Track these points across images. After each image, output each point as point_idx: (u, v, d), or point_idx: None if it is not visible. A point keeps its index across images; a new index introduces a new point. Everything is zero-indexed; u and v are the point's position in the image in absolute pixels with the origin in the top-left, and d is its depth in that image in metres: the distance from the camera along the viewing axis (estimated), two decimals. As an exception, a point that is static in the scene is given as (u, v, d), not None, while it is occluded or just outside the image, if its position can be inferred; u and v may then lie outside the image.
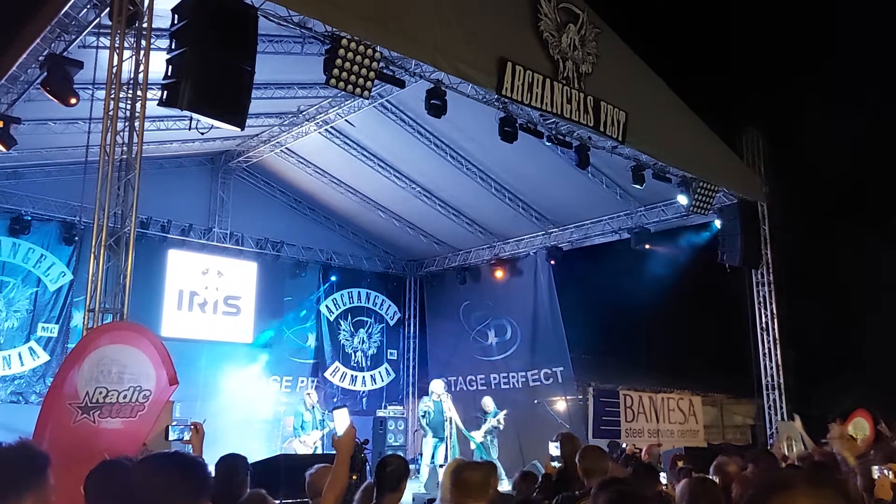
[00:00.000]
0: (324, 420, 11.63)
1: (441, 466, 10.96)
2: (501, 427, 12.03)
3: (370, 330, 16.25)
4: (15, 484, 2.00)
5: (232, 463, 4.42)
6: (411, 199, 14.03)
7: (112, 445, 4.38)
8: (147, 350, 5.35)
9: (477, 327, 15.69)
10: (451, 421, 11.68)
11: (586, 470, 4.39)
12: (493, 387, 14.84)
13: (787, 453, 9.16)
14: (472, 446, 11.82)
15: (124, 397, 5.14)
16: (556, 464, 5.06)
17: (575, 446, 5.05)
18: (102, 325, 6.27)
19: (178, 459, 2.02)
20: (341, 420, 3.29)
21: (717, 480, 4.77)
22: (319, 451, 11.30)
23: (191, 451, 4.48)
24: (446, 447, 11.62)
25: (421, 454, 12.13)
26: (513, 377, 14.90)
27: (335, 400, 14.45)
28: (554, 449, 5.11)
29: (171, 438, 5.05)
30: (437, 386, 12.12)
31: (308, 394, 12.33)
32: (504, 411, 12.12)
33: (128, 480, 1.92)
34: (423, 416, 11.80)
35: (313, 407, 11.87)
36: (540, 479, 5.28)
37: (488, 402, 12.37)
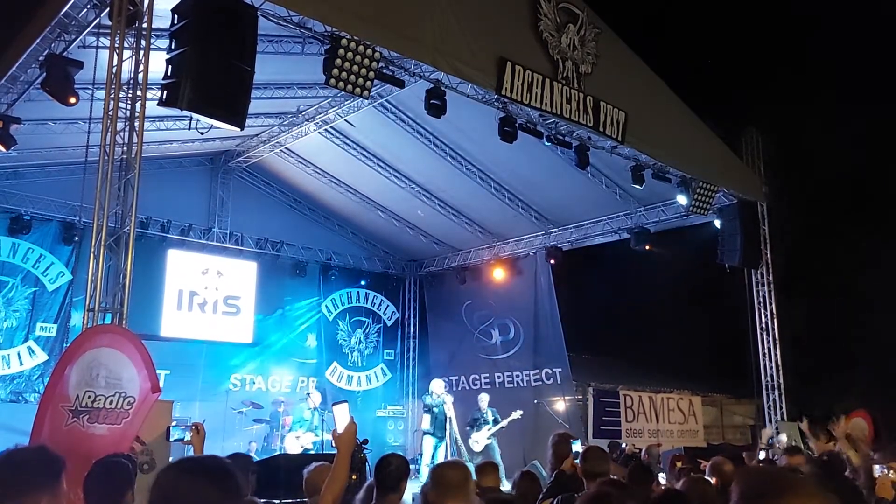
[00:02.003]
0: (318, 427, 11.48)
1: (441, 466, 10.92)
2: (505, 427, 12.06)
3: (367, 330, 16.23)
4: (32, 485, 2.07)
5: (238, 463, 4.42)
6: (411, 199, 14.01)
7: (98, 451, 4.39)
8: (132, 356, 5.36)
9: (480, 326, 15.66)
10: (450, 421, 11.66)
11: (587, 471, 4.37)
12: (496, 386, 14.83)
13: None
14: (478, 449, 11.78)
15: (110, 403, 5.16)
16: (578, 462, 5.02)
17: (571, 446, 5.04)
18: (93, 328, 6.23)
19: (211, 464, 2.01)
20: (341, 416, 3.20)
21: (715, 480, 4.78)
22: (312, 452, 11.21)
23: (192, 451, 4.48)
24: (446, 447, 11.61)
25: (421, 454, 12.11)
26: (517, 376, 14.88)
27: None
28: (579, 447, 5.10)
29: (172, 439, 5.04)
30: (437, 386, 12.08)
31: (309, 394, 12.25)
32: (519, 412, 12.09)
33: (158, 485, 1.92)
34: (428, 412, 11.74)
35: (315, 409, 11.77)
36: (553, 476, 5.25)
37: (484, 399, 12.34)
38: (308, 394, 12.32)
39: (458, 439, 11.90)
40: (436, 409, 11.65)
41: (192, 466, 2.01)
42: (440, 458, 11.33)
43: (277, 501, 7.10)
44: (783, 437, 10.64)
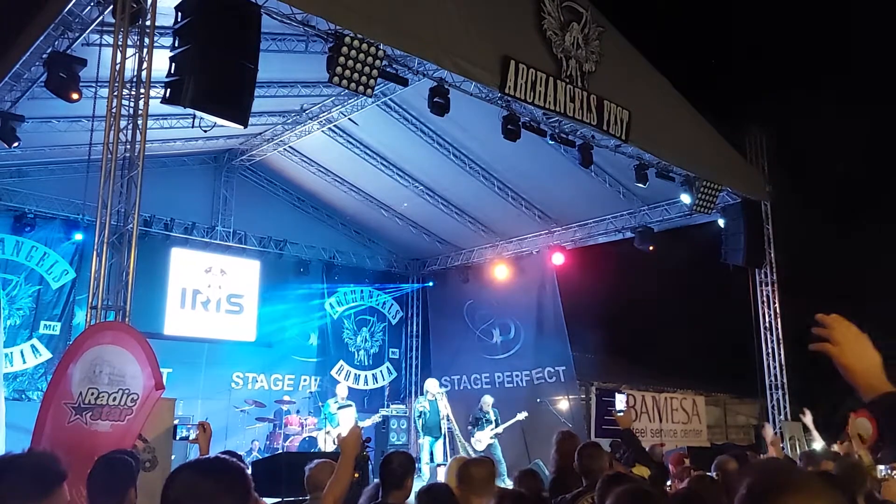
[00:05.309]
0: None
1: (440, 465, 10.96)
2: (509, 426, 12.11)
3: (373, 329, 16.23)
4: (24, 495, 1.93)
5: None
6: (414, 198, 14.00)
7: (101, 448, 4.38)
8: (136, 353, 5.36)
9: (481, 326, 15.65)
10: (447, 419, 11.69)
11: (585, 468, 4.37)
12: (497, 385, 14.82)
13: (790, 454, 9.15)
14: (481, 448, 11.80)
15: (114, 400, 5.16)
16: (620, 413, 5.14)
17: (574, 444, 5.04)
18: (96, 325, 6.25)
19: (221, 465, 2.00)
20: (347, 419, 3.27)
21: (717, 476, 4.78)
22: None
23: (198, 449, 4.49)
24: (444, 445, 11.64)
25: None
26: (517, 376, 14.86)
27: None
28: (620, 403, 5.23)
29: (178, 437, 5.05)
30: (431, 385, 12.15)
31: (336, 393, 12.15)
32: (524, 413, 12.11)
33: (172, 485, 1.89)
34: (420, 417, 11.84)
35: (343, 402, 11.68)
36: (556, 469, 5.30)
37: (487, 401, 12.37)
38: (331, 395, 12.16)
39: (457, 434, 11.93)
40: (429, 410, 11.75)
41: (208, 468, 1.99)
42: (439, 457, 11.43)
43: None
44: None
